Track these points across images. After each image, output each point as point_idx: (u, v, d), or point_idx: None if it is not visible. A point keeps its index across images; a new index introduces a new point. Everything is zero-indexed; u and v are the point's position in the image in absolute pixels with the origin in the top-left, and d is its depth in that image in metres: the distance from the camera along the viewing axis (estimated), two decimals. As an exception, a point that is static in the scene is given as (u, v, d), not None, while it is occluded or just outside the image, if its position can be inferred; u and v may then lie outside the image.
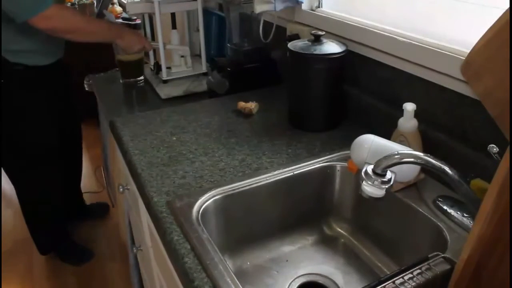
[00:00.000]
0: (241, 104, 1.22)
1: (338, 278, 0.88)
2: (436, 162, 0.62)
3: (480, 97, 0.66)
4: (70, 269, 2.04)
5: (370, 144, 0.80)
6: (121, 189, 1.31)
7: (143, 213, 1.13)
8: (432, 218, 0.78)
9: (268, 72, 1.43)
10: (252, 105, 1.21)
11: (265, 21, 1.43)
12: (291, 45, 1.09)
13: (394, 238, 0.89)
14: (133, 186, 1.12)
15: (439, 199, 0.82)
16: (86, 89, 1.69)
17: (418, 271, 0.65)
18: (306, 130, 1.11)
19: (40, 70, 1.62)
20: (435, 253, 0.68)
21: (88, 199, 2.38)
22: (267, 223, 0.95)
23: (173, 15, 1.58)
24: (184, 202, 0.83)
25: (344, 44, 1.08)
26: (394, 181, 0.65)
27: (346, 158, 0.94)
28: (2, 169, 1.82)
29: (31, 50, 1.57)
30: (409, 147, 0.84)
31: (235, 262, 0.92)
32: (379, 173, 0.64)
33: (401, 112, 0.88)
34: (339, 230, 1.00)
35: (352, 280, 0.88)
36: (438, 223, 0.77)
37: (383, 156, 0.63)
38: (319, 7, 1.29)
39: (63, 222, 2.06)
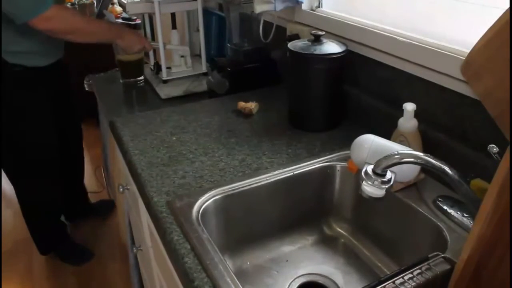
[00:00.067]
0: (241, 104, 1.22)
1: (338, 278, 0.88)
2: (436, 162, 0.62)
3: (480, 97, 0.66)
4: (70, 269, 2.04)
5: (370, 144, 0.80)
6: (121, 189, 1.31)
7: (143, 213, 1.13)
8: (432, 218, 0.78)
9: (268, 72, 1.43)
10: (252, 105, 1.21)
11: (265, 21, 1.43)
12: (291, 45, 1.09)
13: (394, 238, 0.88)
14: (133, 186, 1.12)
15: (439, 199, 0.82)
16: (86, 89, 1.69)
17: (418, 271, 0.65)
18: (306, 130, 1.11)
19: (40, 71, 1.62)
20: (435, 253, 0.68)
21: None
22: (267, 223, 0.95)
23: (173, 15, 1.58)
24: (184, 202, 0.83)
25: (344, 44, 1.08)
26: (394, 181, 0.65)
27: (346, 158, 0.94)
28: (2, 169, 1.82)
29: (31, 51, 1.57)
30: (409, 147, 0.84)
31: (235, 262, 0.92)
32: (379, 173, 0.64)
33: (401, 112, 0.88)
34: (339, 230, 1.00)
35: (352, 280, 0.88)
36: (438, 223, 0.77)
37: (383, 156, 0.63)
38: (319, 7, 1.29)
39: (63, 222, 2.06)
